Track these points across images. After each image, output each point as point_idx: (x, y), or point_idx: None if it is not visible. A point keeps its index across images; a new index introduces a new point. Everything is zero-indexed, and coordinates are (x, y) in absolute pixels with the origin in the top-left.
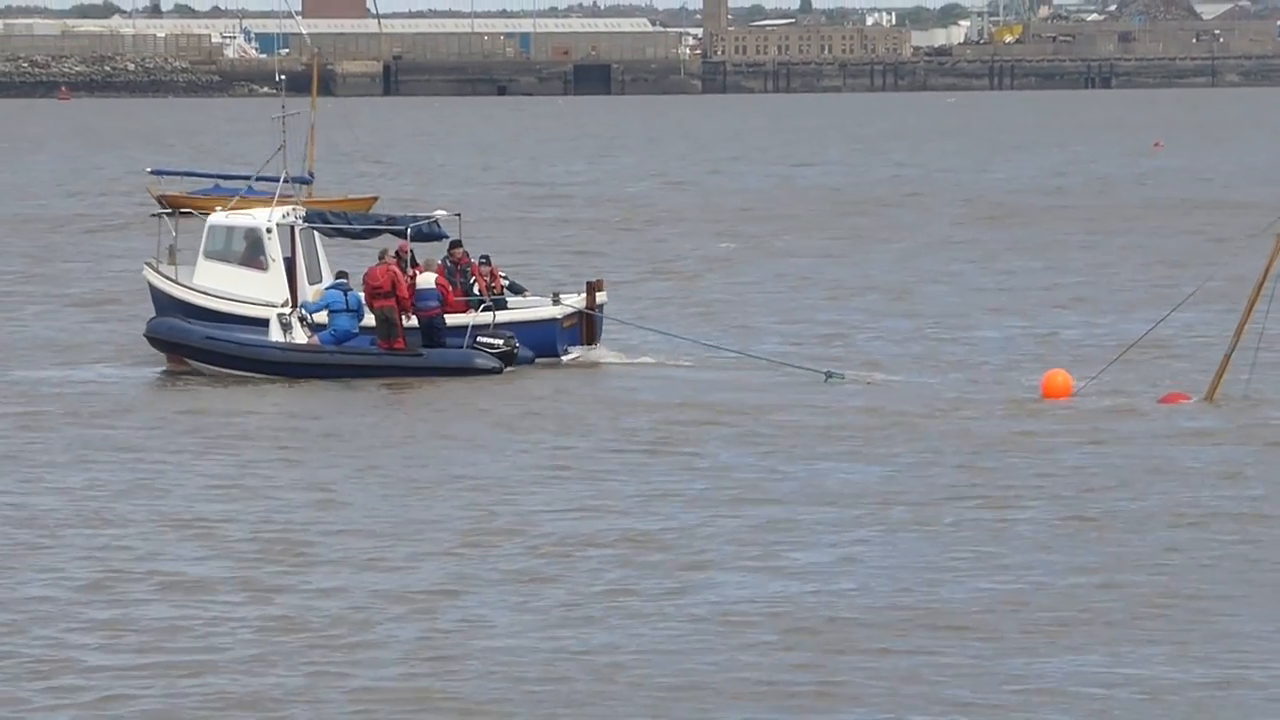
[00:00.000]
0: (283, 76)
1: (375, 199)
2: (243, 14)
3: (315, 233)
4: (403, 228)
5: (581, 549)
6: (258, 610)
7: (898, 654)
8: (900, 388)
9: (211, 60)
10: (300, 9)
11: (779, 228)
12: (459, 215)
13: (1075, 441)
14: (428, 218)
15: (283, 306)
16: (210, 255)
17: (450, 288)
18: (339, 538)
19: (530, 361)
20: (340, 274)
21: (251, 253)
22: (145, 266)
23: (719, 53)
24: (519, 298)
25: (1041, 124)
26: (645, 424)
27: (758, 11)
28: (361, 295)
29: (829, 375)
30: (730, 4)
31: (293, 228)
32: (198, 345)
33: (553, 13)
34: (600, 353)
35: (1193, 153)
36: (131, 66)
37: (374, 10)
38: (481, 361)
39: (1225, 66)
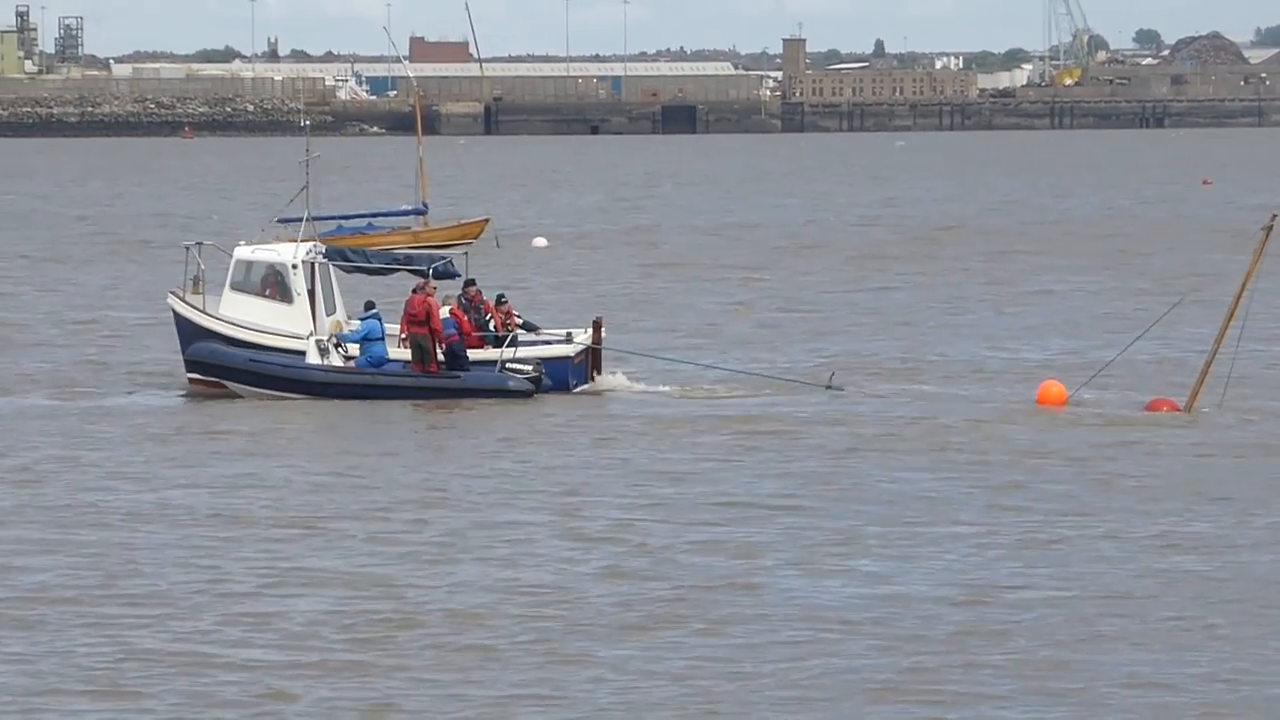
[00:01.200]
0: (307, 121)
1: (487, 221)
2: (354, 58)
3: (331, 268)
4: (421, 267)
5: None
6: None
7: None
8: (907, 399)
9: (325, 101)
10: (408, 54)
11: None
12: (466, 253)
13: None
14: (444, 257)
15: (307, 336)
16: (236, 287)
17: (466, 321)
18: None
19: (548, 391)
20: (369, 304)
21: (277, 286)
22: (170, 295)
23: (797, 94)
24: (533, 334)
25: (1104, 160)
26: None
27: (834, 56)
28: (386, 324)
29: (830, 387)
30: (808, 48)
31: (313, 264)
32: (241, 368)
33: (642, 57)
34: (608, 381)
35: (1239, 187)
36: (251, 107)
37: (476, 55)
38: (514, 384)
39: (1271, 107)
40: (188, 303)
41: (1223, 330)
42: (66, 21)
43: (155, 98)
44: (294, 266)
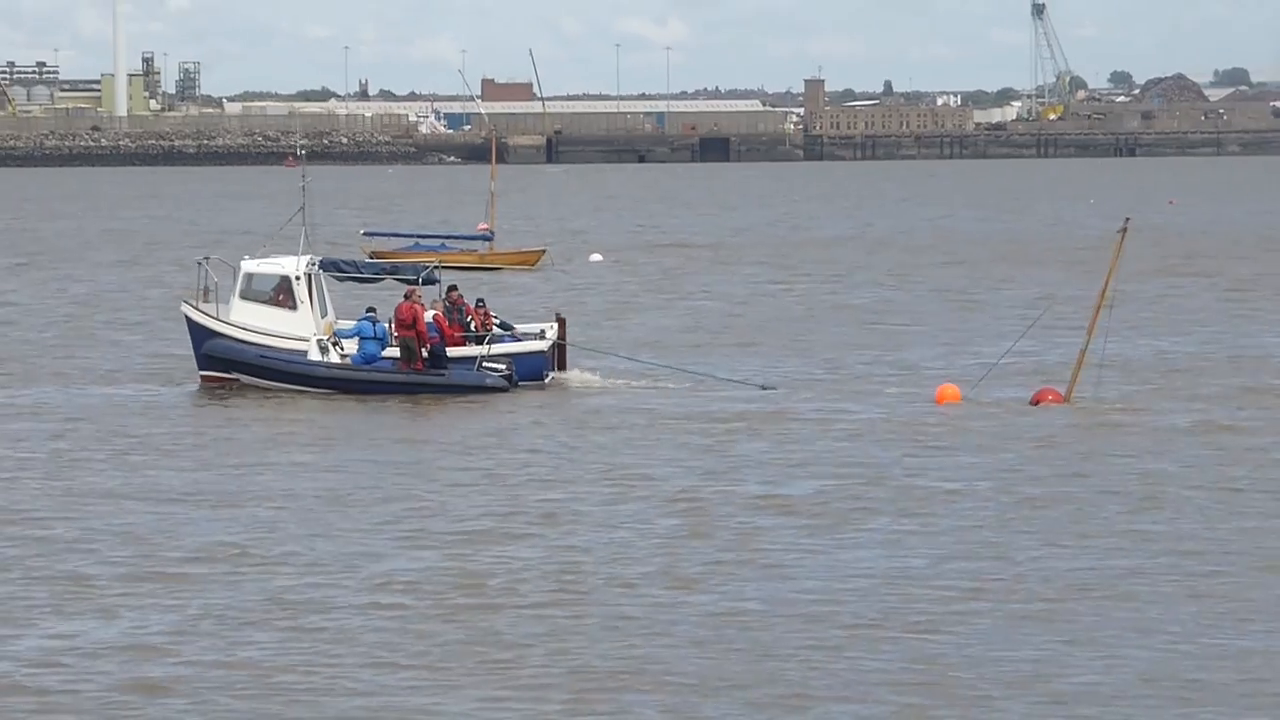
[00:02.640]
0: (303, 152)
1: (544, 251)
2: (434, 97)
3: (323, 277)
4: (408, 275)
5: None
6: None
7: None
8: (836, 396)
9: (409, 135)
10: (480, 93)
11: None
12: (437, 265)
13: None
14: (426, 266)
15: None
16: (245, 296)
17: (449, 324)
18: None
19: (520, 383)
20: (370, 309)
21: (285, 294)
22: (184, 304)
23: (817, 127)
24: (510, 333)
25: (1086, 184)
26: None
27: (849, 94)
28: (388, 326)
29: (764, 388)
30: (826, 88)
31: (310, 275)
32: (253, 363)
33: (683, 95)
34: (572, 376)
35: (1200, 208)
36: (345, 140)
37: (539, 94)
38: (492, 382)
39: (1228, 139)
40: (201, 310)
41: (1092, 325)
42: (186, 66)
43: (262, 131)
44: (298, 278)
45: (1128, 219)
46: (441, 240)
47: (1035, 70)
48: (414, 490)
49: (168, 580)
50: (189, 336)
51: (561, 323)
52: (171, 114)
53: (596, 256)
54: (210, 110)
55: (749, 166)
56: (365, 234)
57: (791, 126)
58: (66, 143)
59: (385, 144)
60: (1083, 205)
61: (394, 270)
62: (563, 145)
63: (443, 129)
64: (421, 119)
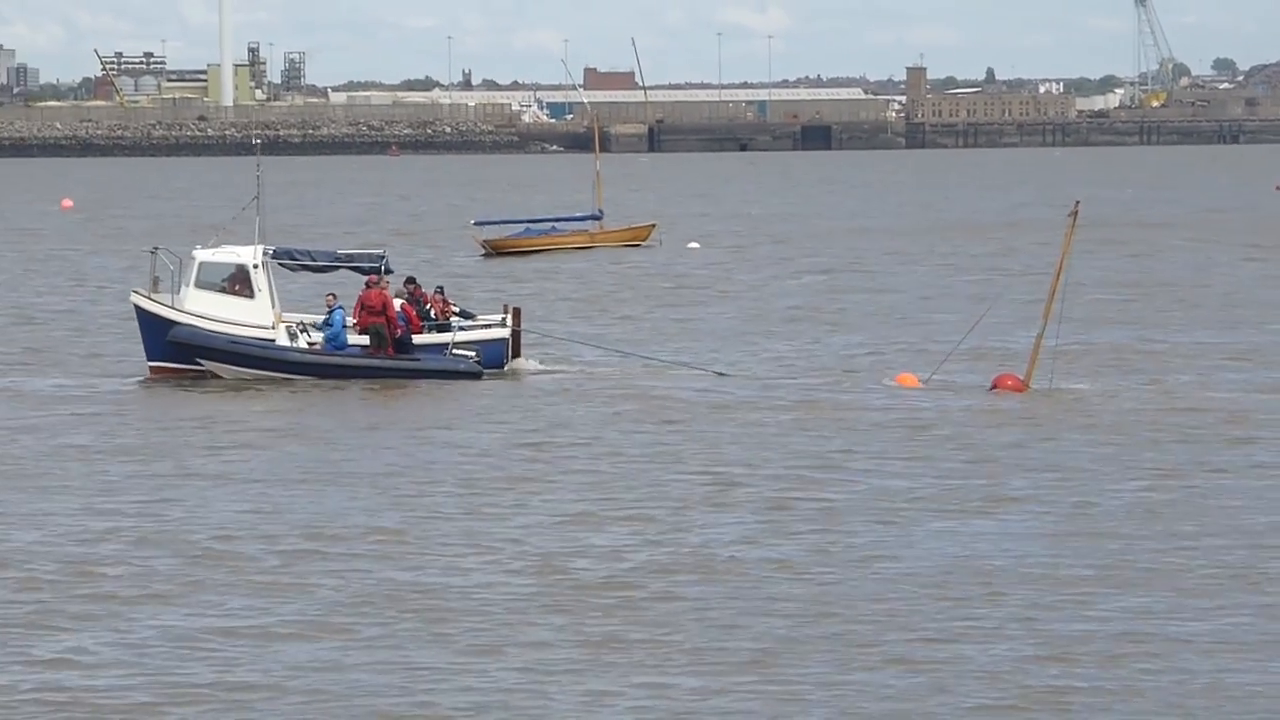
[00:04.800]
0: (258, 141)
1: (654, 225)
2: (536, 87)
3: (272, 266)
4: (362, 265)
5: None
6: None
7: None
8: (790, 384)
9: (511, 124)
10: (583, 83)
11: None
12: (384, 255)
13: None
14: (381, 255)
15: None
16: (201, 285)
17: (414, 314)
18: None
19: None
20: (331, 295)
21: (242, 283)
22: (134, 294)
23: (919, 115)
24: (471, 321)
25: (1191, 170)
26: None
27: (950, 82)
28: (345, 314)
29: (721, 374)
30: (928, 76)
31: (263, 263)
32: (224, 349)
33: (784, 84)
34: (527, 364)
35: None
36: (448, 129)
37: (641, 83)
38: (465, 367)
39: None
40: (155, 300)
41: (1047, 309)
42: (291, 56)
43: (366, 121)
44: (255, 266)
45: (1078, 202)
46: (551, 223)
47: (1138, 57)
48: (485, 476)
49: (277, 573)
50: (140, 327)
51: (516, 313)
52: (277, 104)
53: (694, 244)
54: (315, 100)
55: (851, 154)
56: (475, 223)
57: (893, 114)
58: (173, 133)
59: (488, 133)
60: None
61: (349, 259)
62: (664, 134)
63: (545, 118)
64: (524, 108)
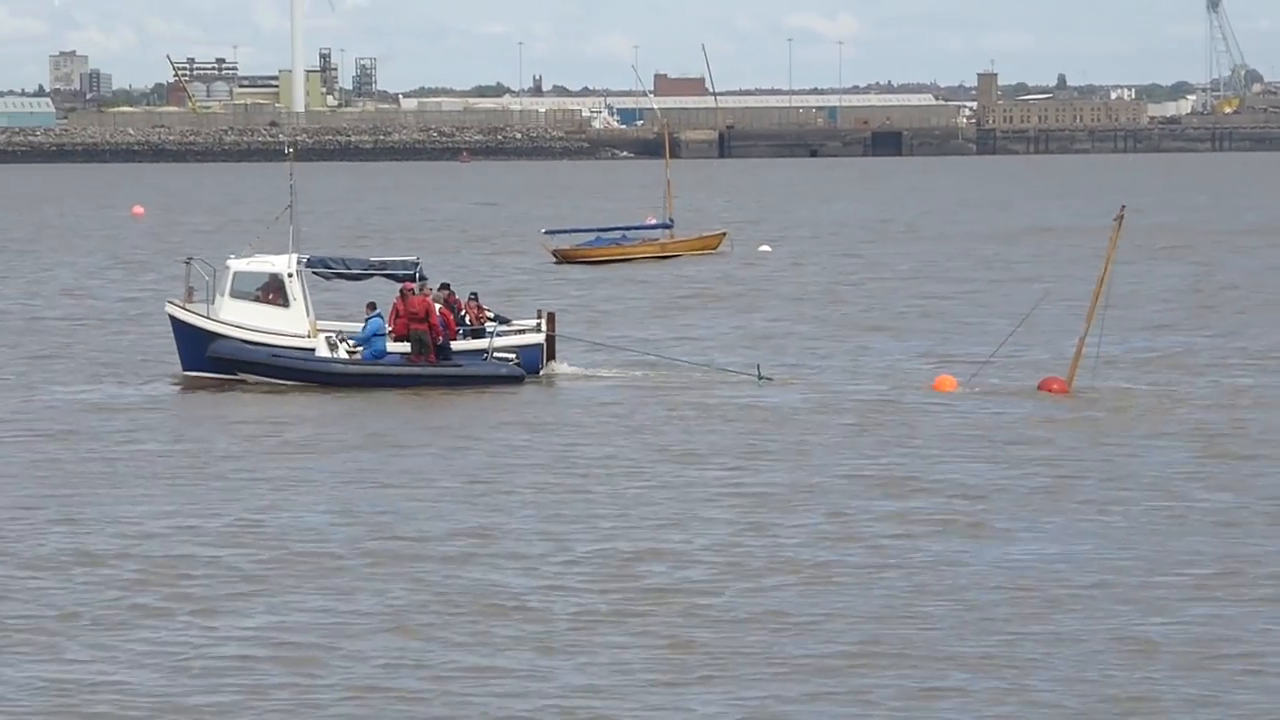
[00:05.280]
0: (290, 149)
1: (725, 234)
2: (607, 93)
3: (306, 275)
4: (395, 272)
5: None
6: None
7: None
8: (829, 388)
9: (582, 130)
10: (653, 89)
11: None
12: (418, 263)
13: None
14: (415, 263)
15: (307, 336)
16: (236, 295)
17: (451, 318)
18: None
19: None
20: (371, 304)
21: (276, 292)
22: (169, 304)
23: (990, 121)
24: (507, 326)
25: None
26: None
27: (1021, 88)
28: (383, 322)
29: (762, 378)
30: (999, 82)
31: (299, 272)
32: (265, 362)
33: (855, 90)
34: (562, 368)
35: None
36: (519, 136)
37: (712, 89)
38: (507, 372)
39: None
40: (190, 310)
41: (1090, 313)
42: (362, 62)
43: (437, 127)
44: (290, 275)
45: (1123, 206)
46: (622, 232)
47: (1210, 63)
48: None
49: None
50: (175, 337)
51: (550, 317)
52: (348, 110)
53: (765, 248)
54: (386, 106)
55: (921, 160)
56: (546, 232)
57: (964, 120)
58: (245, 138)
59: (558, 139)
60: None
61: (383, 267)
62: (734, 140)
63: (615, 124)
64: (595, 114)
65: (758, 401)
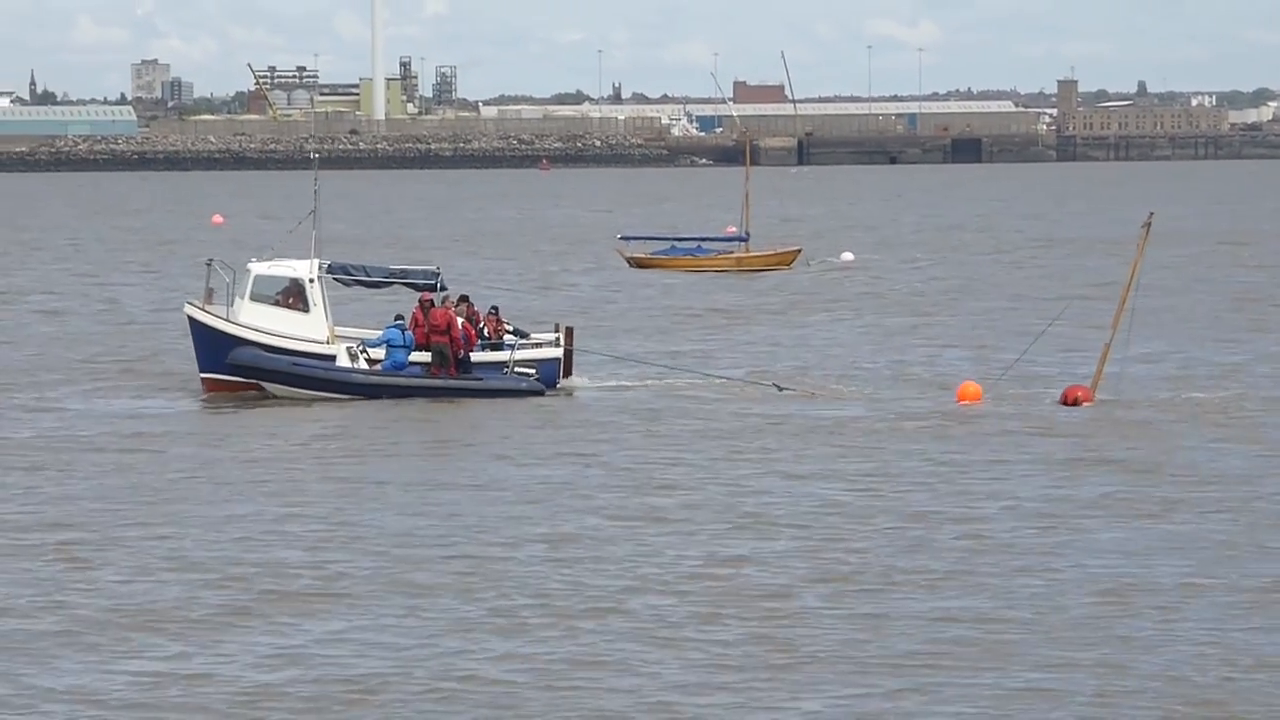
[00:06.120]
0: (316, 155)
1: (799, 250)
2: (686, 100)
3: (327, 281)
4: (416, 281)
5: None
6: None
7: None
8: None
9: (661, 138)
10: (732, 96)
11: None
12: (438, 271)
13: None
14: (435, 271)
15: (326, 342)
16: (255, 298)
17: (473, 331)
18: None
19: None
20: (398, 316)
21: (297, 297)
22: (188, 305)
23: (1070, 128)
24: (526, 339)
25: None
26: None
27: (1102, 95)
28: (410, 333)
29: (779, 388)
30: (1079, 89)
31: (318, 277)
32: (285, 370)
33: (934, 97)
34: (579, 382)
35: None
36: (598, 143)
37: (791, 96)
38: (527, 385)
39: None
40: (210, 312)
41: (1116, 319)
42: (442, 70)
43: (517, 135)
44: (310, 280)
45: (1151, 213)
46: (698, 242)
47: None
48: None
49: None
50: (192, 339)
51: (568, 332)
52: (428, 117)
53: (848, 255)
54: (466, 114)
55: (1002, 168)
56: (622, 238)
57: (1044, 127)
58: (325, 146)
59: (637, 146)
60: None
61: (403, 275)
62: (814, 147)
63: (694, 131)
64: (674, 121)
65: (813, 412)
